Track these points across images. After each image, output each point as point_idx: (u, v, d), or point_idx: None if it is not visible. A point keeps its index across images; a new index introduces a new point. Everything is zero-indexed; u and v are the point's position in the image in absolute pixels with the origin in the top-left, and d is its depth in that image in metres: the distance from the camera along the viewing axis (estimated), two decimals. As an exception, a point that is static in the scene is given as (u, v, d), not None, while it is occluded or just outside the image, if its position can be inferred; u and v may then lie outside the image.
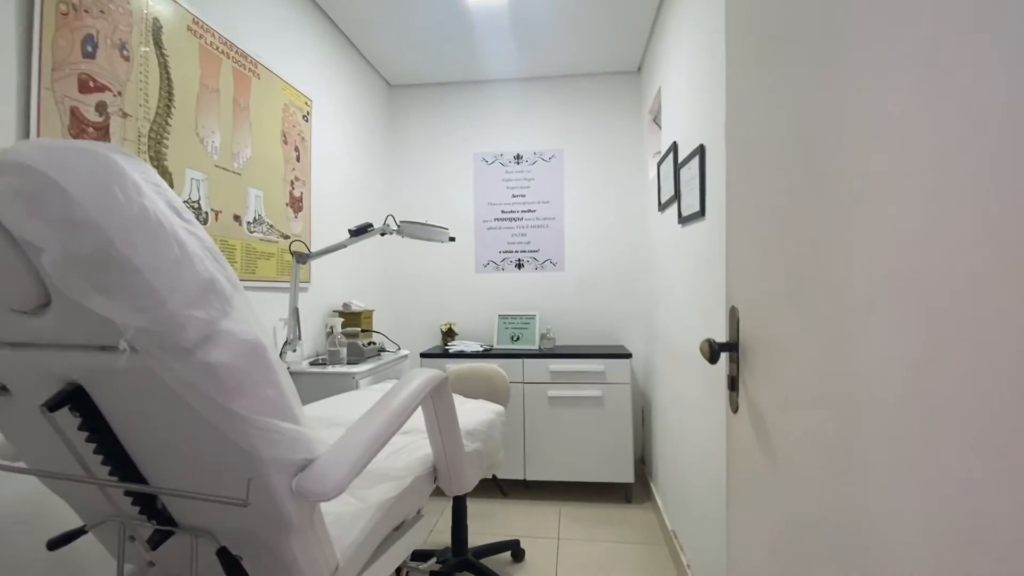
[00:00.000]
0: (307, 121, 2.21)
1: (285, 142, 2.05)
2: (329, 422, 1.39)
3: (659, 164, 2.28)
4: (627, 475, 2.53)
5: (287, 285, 1.98)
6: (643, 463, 2.90)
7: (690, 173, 1.72)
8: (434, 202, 3.16)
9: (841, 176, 0.51)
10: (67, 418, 0.75)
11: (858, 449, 0.48)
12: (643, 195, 2.93)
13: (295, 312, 1.88)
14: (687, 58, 1.83)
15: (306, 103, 2.20)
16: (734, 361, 0.77)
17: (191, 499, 0.77)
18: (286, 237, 2.03)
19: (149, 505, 0.83)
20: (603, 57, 2.83)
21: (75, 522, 0.95)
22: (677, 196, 1.92)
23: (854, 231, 0.48)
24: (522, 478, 2.59)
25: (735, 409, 0.77)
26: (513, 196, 3.11)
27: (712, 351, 0.75)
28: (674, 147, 1.97)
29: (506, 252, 3.11)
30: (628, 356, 2.56)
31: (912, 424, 0.41)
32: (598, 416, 2.55)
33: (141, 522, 0.85)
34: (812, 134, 0.56)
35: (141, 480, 0.81)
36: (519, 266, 3.10)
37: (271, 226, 1.93)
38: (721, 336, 1.21)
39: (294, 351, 1.91)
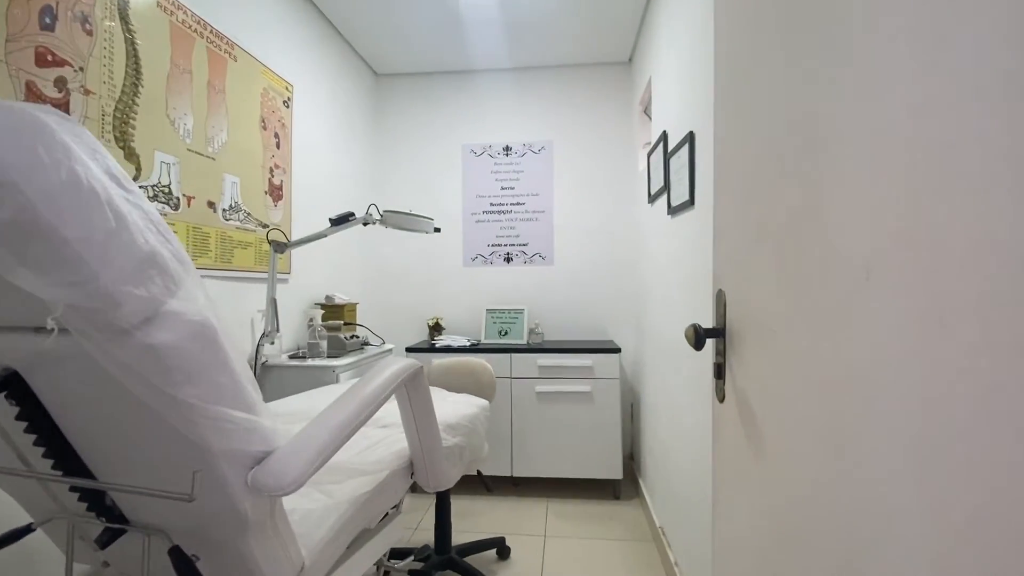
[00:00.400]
0: (288, 107, 2.15)
1: (264, 128, 1.98)
2: (304, 416, 1.34)
3: (649, 155, 2.24)
4: (615, 471, 2.50)
5: (265, 275, 1.91)
6: (632, 459, 2.86)
7: (680, 162, 1.68)
8: (422, 194, 3.10)
9: (834, 144, 0.46)
10: (3, 407, 0.69)
11: (852, 436, 0.44)
12: (633, 188, 2.89)
13: (273, 303, 1.82)
14: (678, 45, 1.79)
15: (287, 88, 2.14)
16: (720, 347, 0.73)
17: (140, 495, 0.72)
18: (265, 226, 1.97)
19: (97, 501, 0.78)
20: (594, 48, 2.78)
21: (26, 518, 0.89)
22: (667, 187, 1.88)
23: (849, 197, 0.44)
24: (509, 474, 2.55)
25: (721, 398, 0.73)
26: (502, 188, 3.06)
27: (698, 337, 0.71)
28: (664, 137, 1.93)
29: (495, 245, 3.06)
30: (617, 351, 2.52)
31: (912, 404, 0.37)
32: (587, 412, 2.51)
33: (89, 519, 0.79)
34: (803, 108, 0.52)
35: (87, 474, 0.75)
36: (508, 260, 3.05)
37: (248, 214, 1.87)
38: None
39: (272, 343, 1.85)
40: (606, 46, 2.77)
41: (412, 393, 1.01)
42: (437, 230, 2.11)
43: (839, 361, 0.45)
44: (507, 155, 3.05)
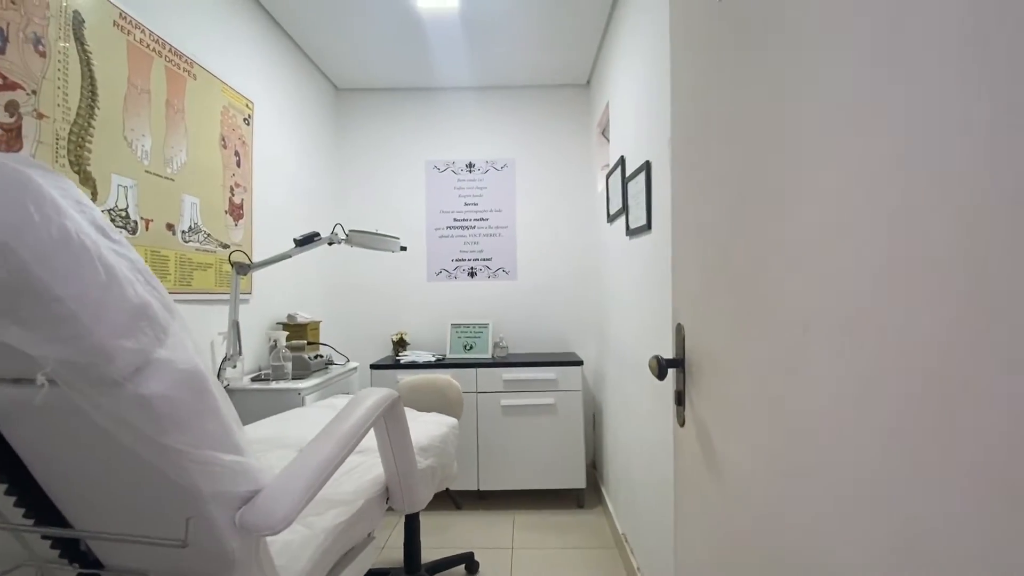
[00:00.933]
0: (248, 124, 2.11)
1: (224, 146, 1.94)
2: (277, 443, 1.33)
3: (608, 177, 2.35)
4: (579, 481, 2.57)
5: (226, 297, 1.87)
6: (594, 467, 2.95)
7: (637, 187, 1.78)
8: (385, 209, 3.09)
9: (777, 203, 0.54)
10: (-29, 457, 0.67)
11: (798, 468, 0.51)
12: (593, 205, 3.00)
13: (235, 326, 1.78)
14: (634, 75, 1.90)
15: (247, 106, 2.10)
16: (680, 376, 0.81)
17: (126, 542, 0.72)
18: (225, 246, 1.92)
19: (71, 547, 0.76)
20: (554, 69, 2.88)
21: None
22: (625, 209, 1.98)
23: (790, 257, 0.52)
24: (476, 488, 2.58)
25: (682, 423, 0.81)
26: (465, 204, 3.10)
27: (660, 367, 0.78)
28: (622, 161, 2.04)
29: (459, 260, 3.09)
30: (579, 363, 2.61)
31: (851, 442, 0.44)
32: (551, 423, 2.58)
33: (61, 566, 0.77)
34: (753, 158, 0.60)
35: (60, 520, 0.74)
36: (472, 274, 3.09)
37: (208, 235, 1.83)
38: (667, 347, 1.26)
39: (234, 367, 1.81)
40: (565, 68, 2.87)
41: (390, 422, 1.04)
42: (403, 248, 2.13)
43: (786, 403, 0.53)
44: (470, 171, 3.10)
